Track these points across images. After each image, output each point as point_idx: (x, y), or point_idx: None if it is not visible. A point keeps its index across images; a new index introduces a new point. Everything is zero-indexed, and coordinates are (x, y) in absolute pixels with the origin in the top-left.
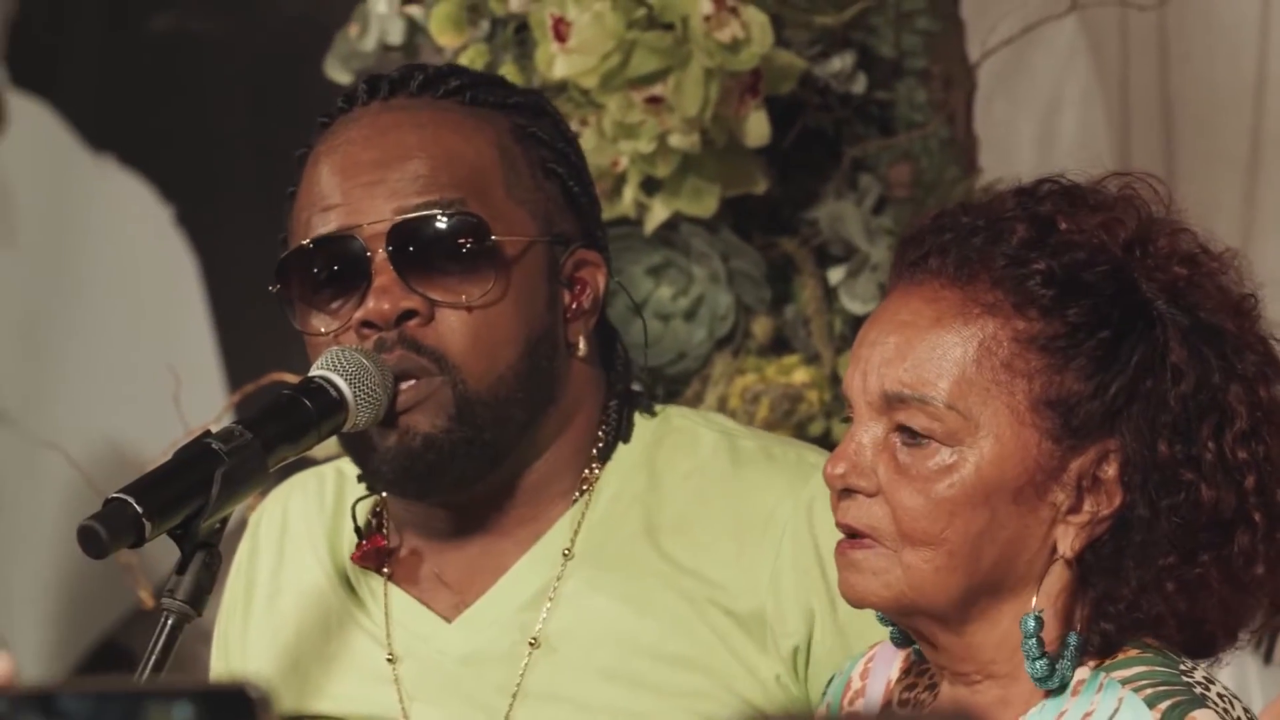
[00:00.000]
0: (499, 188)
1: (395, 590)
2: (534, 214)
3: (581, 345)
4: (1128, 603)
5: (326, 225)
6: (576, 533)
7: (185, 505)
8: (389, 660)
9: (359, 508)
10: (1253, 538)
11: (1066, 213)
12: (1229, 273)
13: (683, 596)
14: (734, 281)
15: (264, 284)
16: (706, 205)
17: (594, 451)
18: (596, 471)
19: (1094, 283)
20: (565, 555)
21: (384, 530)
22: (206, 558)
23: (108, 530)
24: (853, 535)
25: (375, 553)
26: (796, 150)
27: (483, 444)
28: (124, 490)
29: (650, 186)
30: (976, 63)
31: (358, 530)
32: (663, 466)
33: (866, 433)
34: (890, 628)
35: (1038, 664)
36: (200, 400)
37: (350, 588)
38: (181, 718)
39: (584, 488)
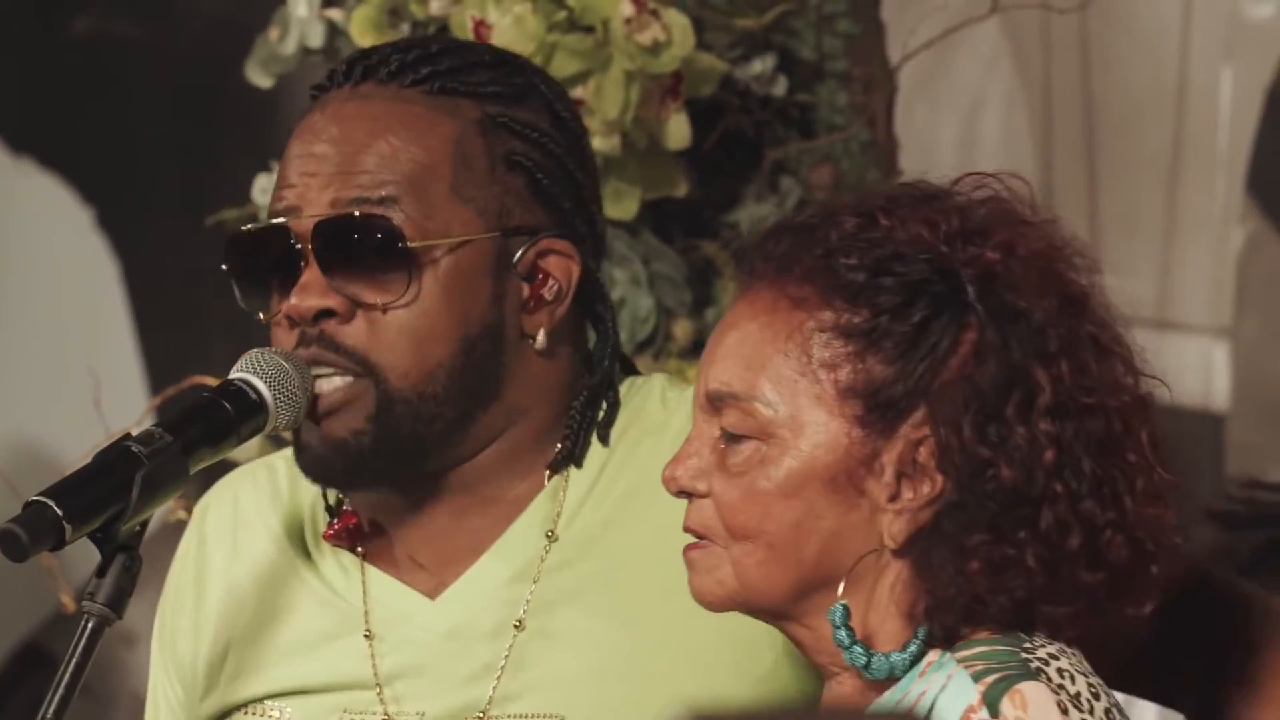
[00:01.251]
0: (442, 185)
1: (372, 569)
2: (482, 210)
3: (540, 337)
4: (956, 587)
5: (278, 204)
6: (558, 516)
7: (106, 508)
8: (366, 636)
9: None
10: (1060, 510)
11: (890, 209)
12: (1066, 264)
13: (664, 582)
14: (655, 285)
15: (185, 287)
16: (627, 208)
17: (560, 432)
18: (566, 465)
19: (904, 272)
20: (549, 536)
21: (358, 511)
22: (127, 561)
23: (28, 533)
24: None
25: (348, 531)
26: (717, 153)
27: (398, 441)
28: (44, 493)
29: None
30: (897, 65)
31: (329, 509)
32: (623, 456)
33: (700, 436)
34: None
35: (854, 652)
36: (121, 403)
37: (314, 570)
38: None
39: (557, 471)
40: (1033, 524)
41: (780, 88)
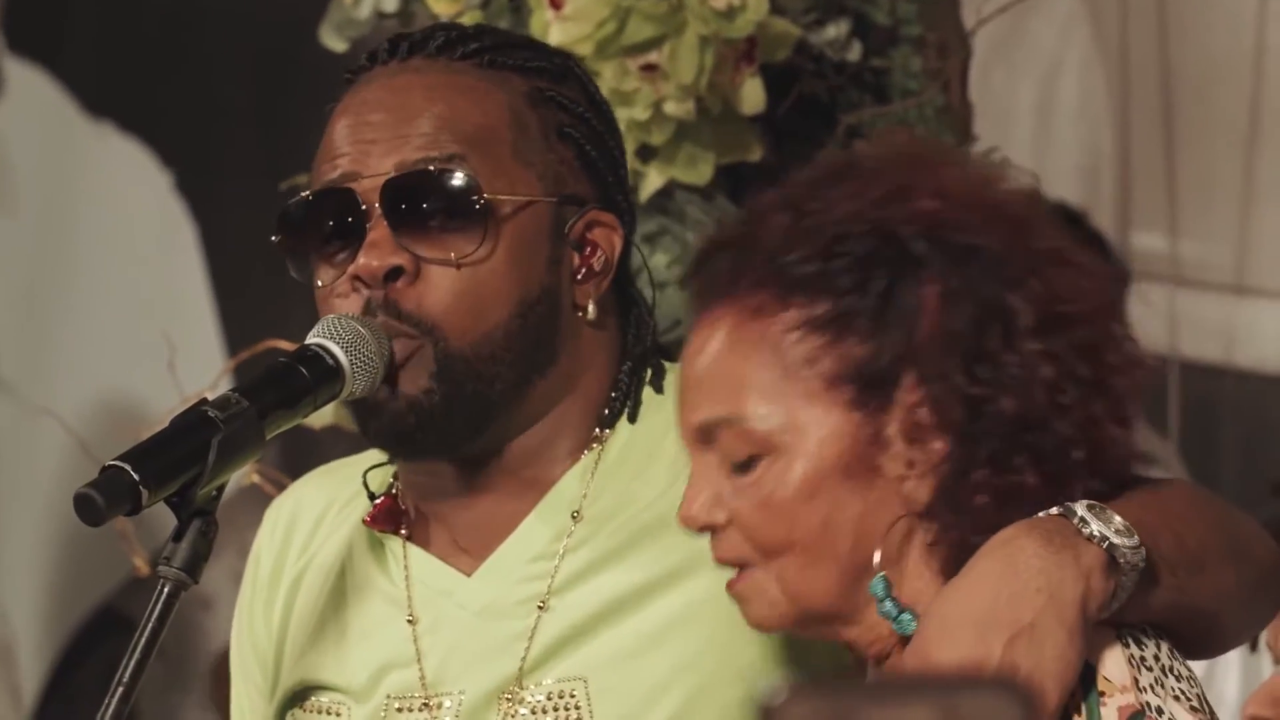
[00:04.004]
0: (504, 148)
1: (415, 550)
2: (541, 175)
3: (590, 309)
4: (973, 528)
5: (333, 174)
6: (585, 495)
7: (182, 473)
8: (409, 622)
9: (372, 476)
10: (1070, 421)
11: (812, 194)
12: (999, 189)
13: (682, 566)
14: None
15: (262, 252)
16: (701, 173)
17: (604, 414)
18: (607, 433)
19: (850, 249)
20: (574, 518)
21: (397, 494)
22: (203, 525)
23: (104, 498)
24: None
25: (388, 514)
26: (791, 118)
27: (464, 401)
28: (121, 458)
29: (645, 154)
30: (972, 30)
31: (370, 495)
32: (655, 436)
33: (703, 469)
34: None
35: (903, 620)
36: (197, 367)
37: (367, 560)
38: None
39: (592, 446)
40: (1037, 446)
41: (854, 53)
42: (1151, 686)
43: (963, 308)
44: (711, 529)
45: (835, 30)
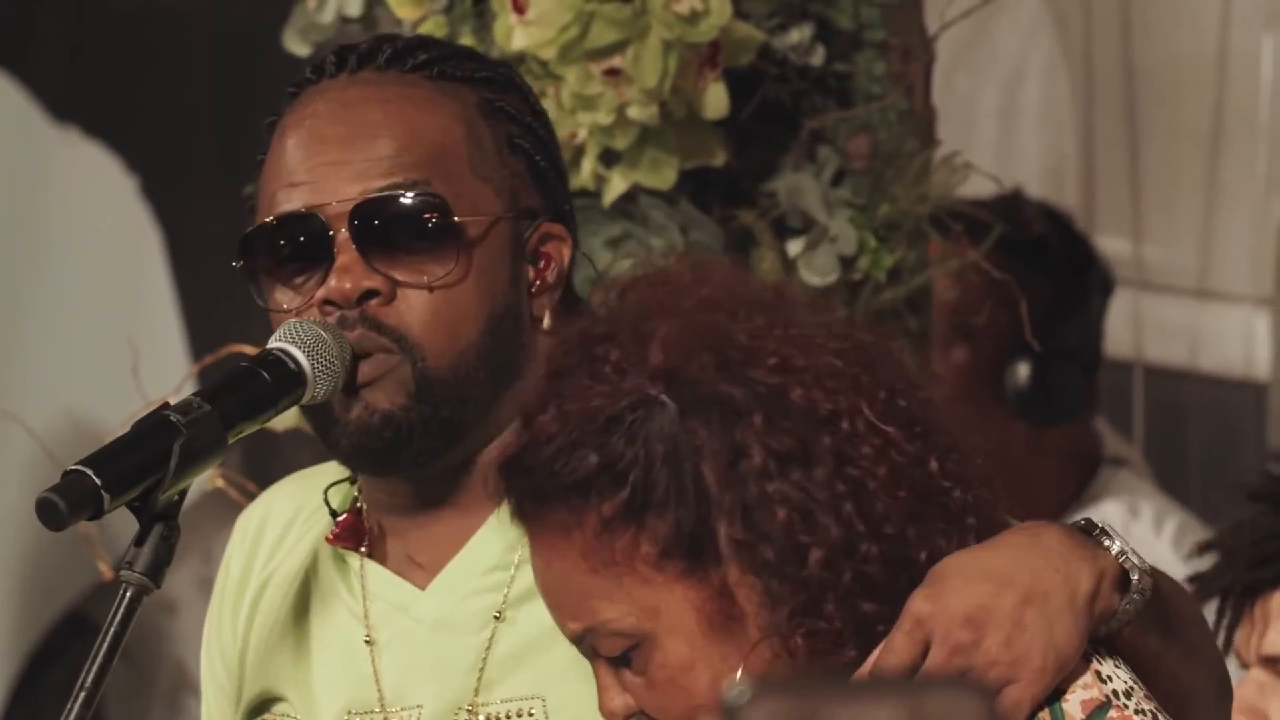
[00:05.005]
0: (463, 165)
1: (372, 566)
2: (498, 191)
3: (546, 319)
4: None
5: (291, 202)
6: None
7: (144, 477)
8: (367, 641)
9: (335, 492)
10: (820, 557)
11: (558, 392)
12: (714, 315)
13: None
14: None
15: (227, 256)
16: (665, 177)
17: None
18: None
19: (615, 435)
20: None
21: (361, 512)
22: (165, 530)
23: (67, 502)
24: None
25: (351, 531)
26: (755, 122)
27: (441, 421)
28: (83, 462)
29: (609, 158)
30: (935, 34)
31: (333, 513)
32: None
33: (601, 670)
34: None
35: None
36: (161, 372)
37: (327, 574)
38: None
39: None
40: (801, 582)
41: (818, 57)
42: (1112, 677)
43: (719, 456)
44: (635, 714)
45: (798, 35)
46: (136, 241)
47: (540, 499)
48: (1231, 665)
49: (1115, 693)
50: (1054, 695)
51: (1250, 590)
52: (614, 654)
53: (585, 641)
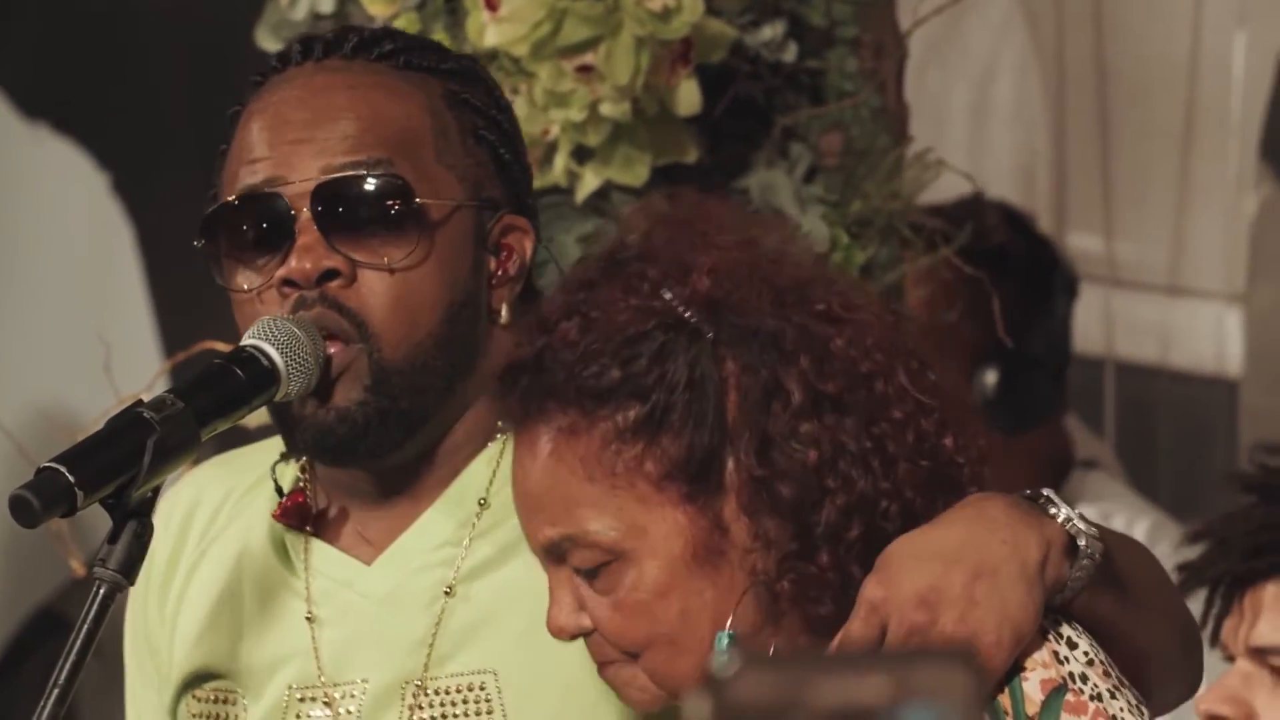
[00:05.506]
0: (428, 151)
1: (316, 542)
2: (462, 179)
3: (504, 312)
4: (791, 608)
5: (254, 177)
6: (491, 483)
7: (117, 474)
8: (308, 618)
9: (281, 470)
10: (838, 504)
11: (591, 301)
12: (766, 256)
13: None
14: None
15: (199, 253)
16: (638, 174)
17: None
18: (505, 433)
19: (642, 348)
20: (480, 504)
21: (307, 490)
22: (138, 527)
23: (40, 499)
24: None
25: (297, 510)
26: (727, 119)
27: (398, 413)
28: (56, 459)
29: (581, 155)
30: (908, 31)
31: (279, 490)
32: None
33: (559, 580)
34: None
35: None
36: (134, 369)
37: (268, 553)
38: None
39: (496, 437)
40: (806, 526)
41: (790, 54)
42: (1069, 659)
43: (752, 390)
44: (583, 634)
45: (771, 31)
46: (108, 239)
47: (550, 398)
48: (1216, 656)
49: (1071, 675)
50: (1013, 671)
51: (1241, 581)
52: (585, 567)
53: (557, 549)
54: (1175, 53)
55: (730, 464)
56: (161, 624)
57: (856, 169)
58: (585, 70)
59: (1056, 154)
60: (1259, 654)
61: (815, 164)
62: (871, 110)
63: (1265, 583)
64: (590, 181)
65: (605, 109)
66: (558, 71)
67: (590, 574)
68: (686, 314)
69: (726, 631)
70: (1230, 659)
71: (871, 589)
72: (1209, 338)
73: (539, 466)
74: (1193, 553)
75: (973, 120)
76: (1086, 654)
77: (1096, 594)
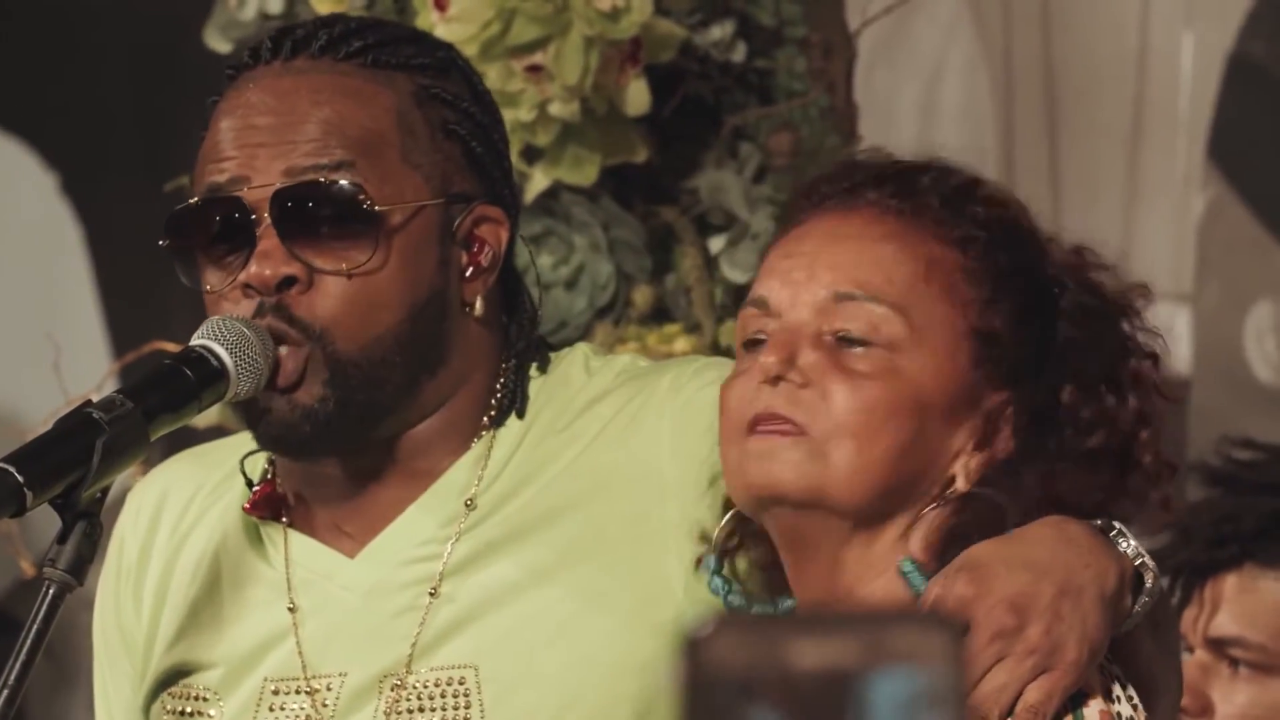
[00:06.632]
0: (393, 152)
1: (295, 535)
2: (428, 177)
3: (478, 305)
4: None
5: (219, 176)
6: (477, 483)
7: (66, 475)
8: (290, 608)
9: (249, 462)
10: (1145, 480)
11: (980, 183)
12: (1108, 269)
13: (580, 558)
14: (615, 250)
15: (148, 253)
16: (587, 174)
17: (491, 401)
18: (491, 430)
19: (1017, 242)
20: (468, 505)
21: (277, 481)
22: (87, 527)
23: None
24: (769, 424)
25: (268, 501)
26: (677, 119)
27: (356, 406)
28: (4, 460)
29: (531, 155)
30: (856, 31)
31: (249, 483)
32: (546, 423)
33: (803, 330)
34: (715, 580)
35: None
36: (82, 369)
37: (243, 545)
38: None
39: (481, 435)
40: (1036, 462)
41: (739, 54)
42: (1120, 699)
43: (1091, 358)
44: (776, 380)
45: (720, 31)
46: (57, 238)
47: (928, 209)
48: None
49: (1119, 715)
50: (1078, 697)
51: (1202, 571)
52: (857, 333)
53: (846, 302)
54: (1123, 51)
55: (1023, 388)
56: (138, 620)
57: (806, 168)
58: (534, 70)
59: (1004, 152)
60: (1217, 645)
61: (765, 164)
62: (820, 110)
63: (1226, 573)
64: (539, 181)
65: (554, 109)
66: (507, 71)
67: (850, 342)
68: (1045, 259)
69: (907, 558)
70: (1189, 650)
71: (962, 586)
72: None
73: (880, 239)
74: (1157, 542)
75: (921, 119)
76: (1132, 699)
77: (1143, 630)
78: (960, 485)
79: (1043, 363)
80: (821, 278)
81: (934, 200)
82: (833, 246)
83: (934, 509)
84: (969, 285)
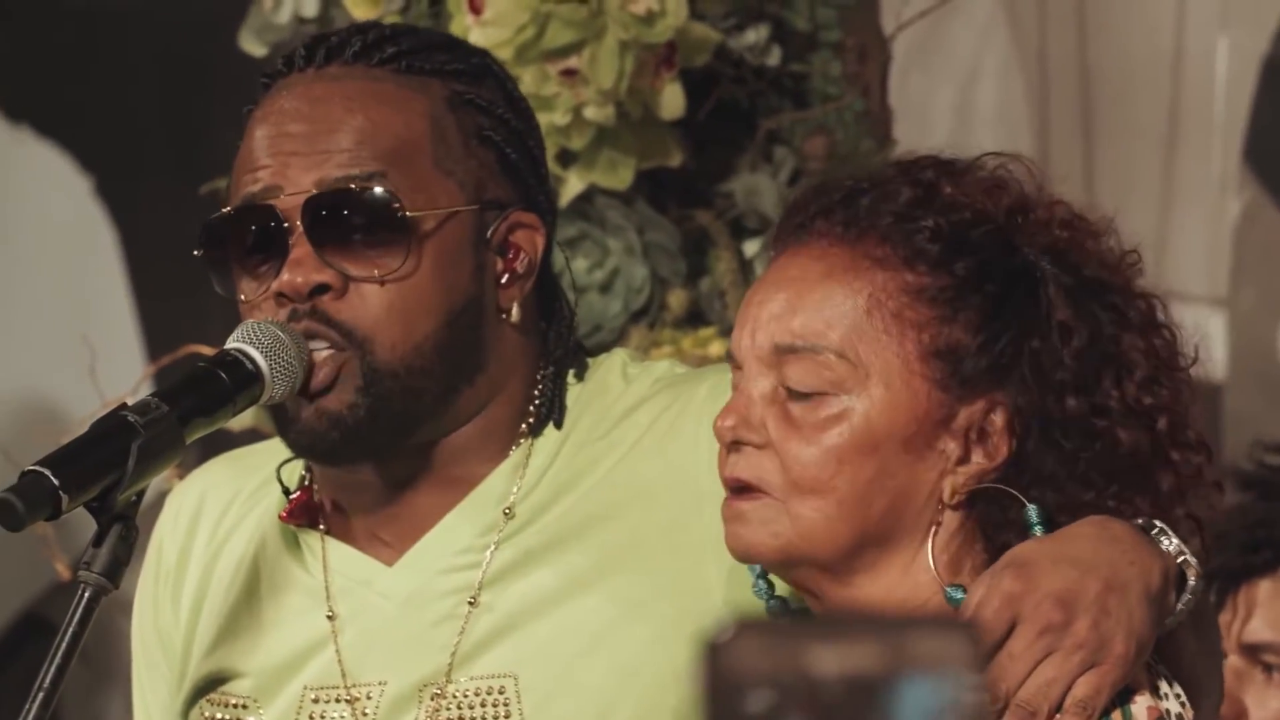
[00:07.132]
0: (425, 159)
1: (332, 541)
2: (463, 183)
3: (514, 311)
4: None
5: (254, 186)
6: (516, 491)
7: (102, 478)
8: (329, 616)
9: (286, 470)
10: (1177, 477)
11: (949, 179)
12: (1107, 235)
13: (619, 567)
14: (649, 254)
15: (183, 256)
16: (622, 178)
17: (529, 409)
18: (529, 438)
19: (979, 240)
20: (506, 514)
21: (314, 488)
22: (123, 530)
23: (24, 503)
24: (740, 489)
25: (305, 509)
26: (711, 123)
27: (390, 415)
28: (41, 463)
29: (566, 159)
30: (891, 35)
31: (285, 491)
32: (584, 431)
33: (755, 387)
34: (759, 583)
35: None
36: (117, 372)
37: (281, 551)
38: None
39: (519, 443)
40: (1141, 488)
41: (774, 58)
42: (1167, 695)
43: (1082, 339)
44: (737, 445)
45: (755, 35)
46: (92, 241)
47: (871, 230)
48: None
49: (1168, 712)
50: (1125, 693)
51: (1236, 576)
52: (802, 384)
53: (786, 354)
54: (1158, 54)
55: (1005, 385)
56: (176, 623)
57: (840, 172)
58: (569, 74)
59: (1039, 156)
60: (1251, 650)
61: (799, 168)
62: (855, 114)
63: (1260, 579)
64: (574, 185)
65: (589, 113)
66: (542, 75)
67: (800, 396)
68: (1023, 245)
69: (956, 586)
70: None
71: (1009, 582)
72: (1192, 342)
73: (822, 276)
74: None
75: (956, 122)
76: (1179, 696)
77: (1185, 629)
78: (946, 499)
79: (1031, 356)
80: (766, 329)
81: (884, 220)
82: (776, 294)
83: (935, 532)
84: (920, 306)
